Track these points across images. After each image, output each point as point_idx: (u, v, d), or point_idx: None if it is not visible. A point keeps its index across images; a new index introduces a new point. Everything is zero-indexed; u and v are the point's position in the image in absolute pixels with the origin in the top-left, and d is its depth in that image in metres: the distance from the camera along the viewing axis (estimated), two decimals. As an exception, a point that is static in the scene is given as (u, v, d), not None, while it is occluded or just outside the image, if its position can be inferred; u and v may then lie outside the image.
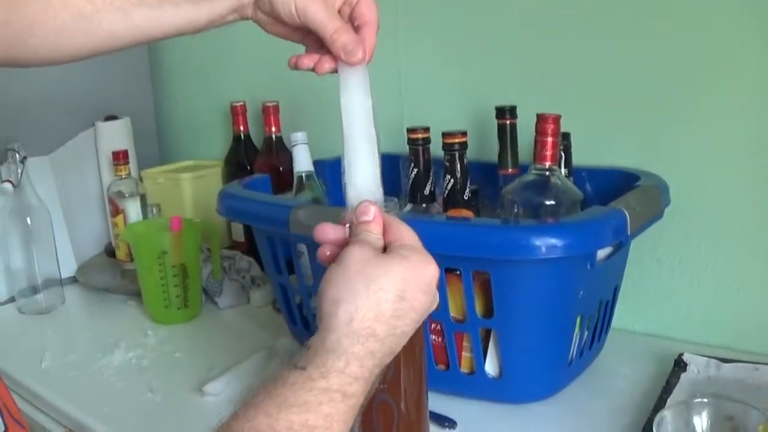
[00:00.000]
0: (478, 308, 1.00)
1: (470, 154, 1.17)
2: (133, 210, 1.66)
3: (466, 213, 1.10)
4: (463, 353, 1.05)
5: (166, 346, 1.35)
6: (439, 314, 1.02)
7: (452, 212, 1.11)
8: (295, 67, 0.77)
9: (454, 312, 1.02)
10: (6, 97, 1.66)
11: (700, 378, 1.05)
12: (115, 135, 1.76)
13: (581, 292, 1.00)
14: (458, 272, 0.99)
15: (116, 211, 1.66)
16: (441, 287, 1.00)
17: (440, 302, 1.00)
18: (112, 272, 1.67)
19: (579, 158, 1.17)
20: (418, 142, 1.17)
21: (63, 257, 1.67)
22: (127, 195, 1.65)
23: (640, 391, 1.07)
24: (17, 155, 1.55)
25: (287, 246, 1.16)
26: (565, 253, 0.91)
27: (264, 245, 1.21)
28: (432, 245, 0.93)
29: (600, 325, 1.11)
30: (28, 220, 1.57)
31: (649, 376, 1.10)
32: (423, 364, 0.82)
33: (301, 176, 1.32)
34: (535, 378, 1.04)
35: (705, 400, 0.86)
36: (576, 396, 1.07)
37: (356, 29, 0.75)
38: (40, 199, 1.59)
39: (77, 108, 1.78)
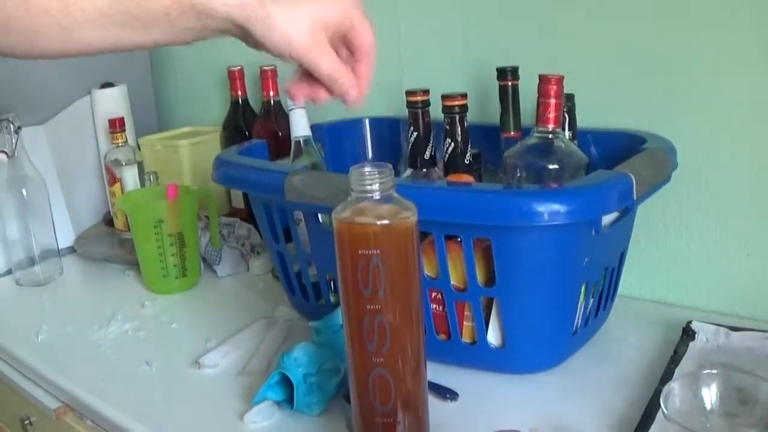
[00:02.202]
0: (480, 276, 0.97)
1: (472, 117, 1.13)
2: (130, 178, 1.63)
3: (467, 178, 1.07)
4: (465, 323, 1.02)
5: (164, 317, 1.33)
6: (439, 282, 0.99)
7: (452, 177, 1.07)
8: (292, 99, 0.79)
9: (455, 280, 0.99)
10: (3, 70, 1.63)
11: (708, 347, 1.02)
12: (112, 102, 1.73)
13: (586, 260, 0.97)
14: (459, 239, 0.95)
15: (113, 179, 1.63)
16: (441, 255, 0.97)
17: (441, 270, 0.98)
18: (110, 242, 1.65)
19: (583, 121, 1.13)
20: (417, 104, 1.13)
21: (61, 228, 1.65)
22: (124, 163, 1.62)
23: (647, 359, 1.04)
24: (11, 125, 1.52)
25: (284, 213, 1.13)
26: (568, 220, 0.87)
27: (261, 213, 1.18)
28: (431, 211, 0.91)
29: (606, 293, 1.08)
30: (24, 191, 1.54)
31: (657, 345, 1.07)
32: (421, 334, 0.79)
33: (299, 141, 1.29)
34: (539, 348, 1.01)
35: (714, 371, 0.83)
36: (581, 366, 1.04)
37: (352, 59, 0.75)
38: (36, 170, 1.56)
39: (73, 76, 1.74)
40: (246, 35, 0.70)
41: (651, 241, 1.20)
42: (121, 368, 1.16)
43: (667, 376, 0.93)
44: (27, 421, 1.26)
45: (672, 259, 1.20)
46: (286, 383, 0.97)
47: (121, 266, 1.58)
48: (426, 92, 1.13)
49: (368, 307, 0.75)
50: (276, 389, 0.99)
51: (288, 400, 0.97)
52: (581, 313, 1.02)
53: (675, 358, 0.98)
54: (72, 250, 1.67)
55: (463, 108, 1.09)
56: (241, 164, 1.16)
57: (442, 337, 1.04)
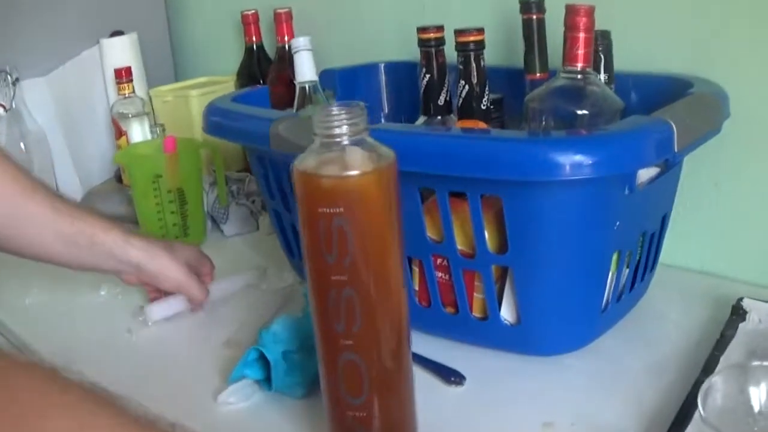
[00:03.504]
0: (490, 241, 0.82)
1: (497, 58, 0.98)
2: (137, 131, 1.51)
3: (479, 124, 0.92)
4: (475, 294, 0.88)
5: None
6: (444, 247, 0.85)
7: (462, 123, 0.92)
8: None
9: (461, 245, 0.84)
10: (3, 20, 1.53)
11: (761, 328, 0.86)
12: (122, 52, 1.62)
13: (617, 223, 0.81)
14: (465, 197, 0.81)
15: (119, 132, 1.52)
16: (445, 215, 0.82)
17: (445, 233, 0.84)
18: (119, 199, 1.53)
19: (621, 63, 0.97)
20: (429, 42, 0.99)
21: (67, 184, 1.57)
22: (130, 115, 1.51)
23: (689, 342, 0.89)
24: (9, 77, 1.43)
25: (277, 167, 1.00)
26: (595, 173, 0.71)
27: (255, 166, 1.05)
28: (424, 163, 0.76)
29: (643, 263, 0.93)
30: (22, 145, 1.44)
31: (702, 324, 0.92)
32: (402, 310, 0.65)
33: (305, 87, 1.14)
34: (560, 326, 0.86)
35: (765, 363, 0.67)
36: (610, 348, 0.89)
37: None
38: (37, 123, 1.47)
39: (80, 25, 1.63)
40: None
41: (699, 202, 1.04)
42: (102, 334, 1.06)
43: (710, 365, 0.78)
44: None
45: (724, 224, 1.04)
46: (267, 360, 0.84)
47: (128, 225, 1.46)
48: (440, 28, 0.99)
49: (333, 278, 0.62)
50: (254, 367, 0.86)
51: (268, 380, 0.85)
52: (612, 287, 0.87)
53: (721, 343, 0.83)
54: (78, 206, 1.56)
55: (479, 45, 0.95)
56: (229, 111, 1.02)
57: (449, 310, 0.90)
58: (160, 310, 1.06)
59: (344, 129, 0.61)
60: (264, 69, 1.52)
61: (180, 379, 0.93)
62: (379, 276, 0.62)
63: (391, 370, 0.65)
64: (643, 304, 0.97)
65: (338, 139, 0.61)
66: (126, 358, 0.99)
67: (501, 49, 1.12)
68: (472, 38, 0.94)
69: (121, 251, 0.98)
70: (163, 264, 1.01)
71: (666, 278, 1.01)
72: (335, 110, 0.61)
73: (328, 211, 0.60)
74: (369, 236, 0.61)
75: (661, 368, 0.85)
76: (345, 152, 0.61)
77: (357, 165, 0.60)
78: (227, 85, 1.60)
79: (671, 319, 0.95)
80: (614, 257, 0.85)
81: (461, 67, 0.95)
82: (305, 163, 0.62)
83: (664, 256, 0.99)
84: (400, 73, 1.25)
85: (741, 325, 0.86)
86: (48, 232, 0.95)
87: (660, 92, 0.94)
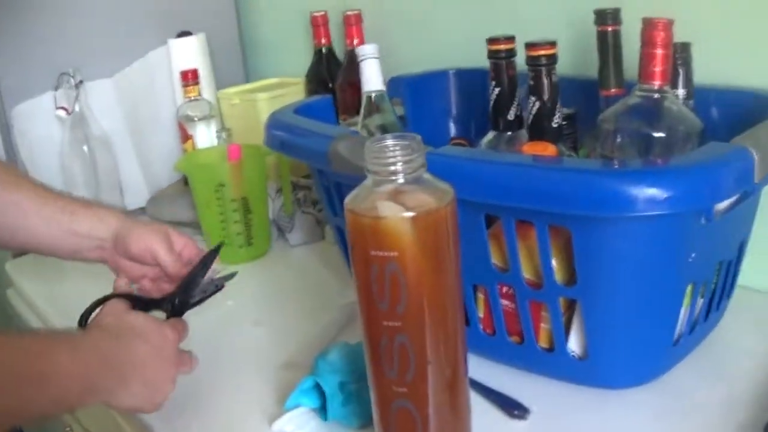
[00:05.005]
0: (558, 272, 0.78)
1: (571, 68, 0.93)
2: (203, 135, 1.51)
3: (548, 148, 0.87)
4: (542, 324, 0.84)
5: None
6: (509, 275, 0.81)
7: (529, 146, 0.88)
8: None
9: (528, 274, 0.81)
10: (70, 21, 1.53)
11: None
12: (189, 53, 1.60)
13: (693, 255, 0.77)
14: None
15: (186, 136, 1.51)
16: (511, 243, 0.79)
17: (511, 261, 0.80)
18: (184, 203, 1.52)
19: (701, 77, 0.91)
20: (500, 54, 0.94)
21: (133, 187, 1.56)
22: (196, 119, 1.50)
23: (766, 372, 0.83)
24: (72, 80, 1.42)
25: (340, 184, 0.97)
26: (669, 209, 0.67)
27: (317, 181, 1.02)
28: (487, 193, 0.73)
29: (720, 291, 0.88)
30: (86, 148, 1.44)
31: (781, 354, 0.87)
32: (459, 358, 0.62)
33: (371, 96, 1.11)
34: (629, 360, 0.82)
35: None
36: (682, 381, 0.85)
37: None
38: (100, 126, 1.47)
39: (147, 25, 1.62)
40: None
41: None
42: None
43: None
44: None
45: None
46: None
47: (192, 230, 1.45)
48: (510, 39, 0.94)
49: (385, 324, 0.59)
50: (311, 395, 0.84)
51: (324, 407, 0.82)
52: (686, 318, 0.83)
53: (802, 376, 0.77)
54: (143, 211, 1.56)
55: (551, 59, 0.90)
56: (288, 125, 1.00)
57: (514, 339, 0.87)
58: None
59: (399, 166, 0.57)
60: (333, 72, 1.49)
61: (234, 400, 0.92)
62: (433, 322, 0.59)
63: (445, 416, 0.62)
64: (718, 331, 0.92)
65: (392, 177, 0.58)
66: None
67: (575, 58, 1.07)
68: (543, 52, 0.89)
69: (99, 220, 0.95)
70: (140, 231, 0.95)
71: (743, 302, 0.96)
72: (389, 145, 0.58)
73: (381, 254, 0.57)
74: (424, 282, 0.57)
75: (735, 403, 0.80)
76: (401, 190, 0.58)
77: (414, 206, 0.57)
78: (297, 87, 1.57)
79: (747, 347, 0.90)
80: (688, 289, 0.81)
81: (532, 82, 0.91)
82: (357, 200, 0.59)
83: (742, 278, 0.93)
84: (471, 80, 1.20)
85: (823, 356, 0.80)
86: (32, 213, 0.94)
87: (743, 109, 0.89)
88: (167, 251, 0.94)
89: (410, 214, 0.56)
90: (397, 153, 0.57)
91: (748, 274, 0.97)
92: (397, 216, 0.57)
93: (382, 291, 0.57)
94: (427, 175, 0.59)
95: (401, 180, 0.58)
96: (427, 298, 0.58)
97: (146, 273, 0.97)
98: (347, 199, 0.60)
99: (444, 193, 0.59)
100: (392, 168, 0.57)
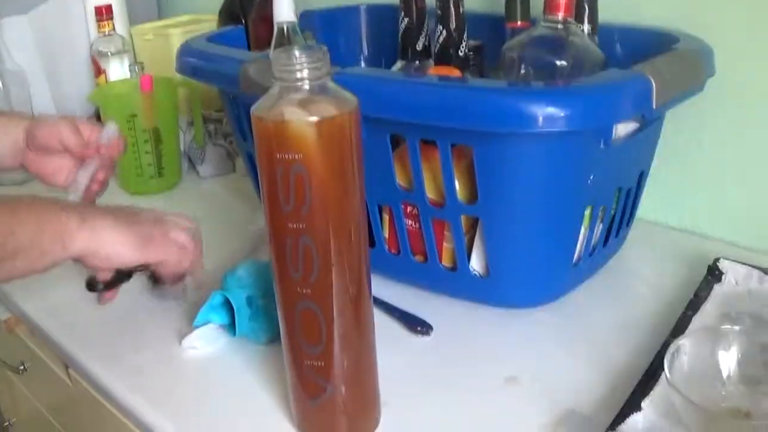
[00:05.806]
0: (461, 191, 0.81)
1: (479, 3, 0.94)
2: (115, 70, 1.49)
3: (453, 71, 0.89)
4: (445, 244, 0.86)
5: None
6: (414, 195, 0.83)
7: (437, 70, 0.90)
8: None
9: (431, 193, 0.83)
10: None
11: (737, 291, 0.84)
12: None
13: (591, 177, 0.80)
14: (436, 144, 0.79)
15: (99, 71, 1.49)
16: (415, 163, 0.81)
17: (415, 181, 0.82)
18: (96, 137, 1.51)
19: (606, 15, 0.94)
20: (408, -16, 0.95)
21: (45, 120, 1.52)
22: (109, 54, 1.48)
23: (662, 301, 0.88)
24: (-16, 17, 1.39)
25: (249, 108, 0.97)
26: (568, 127, 0.69)
27: (228, 107, 1.03)
28: (392, 109, 0.74)
29: (619, 218, 0.91)
30: (0, 83, 1.41)
31: (676, 283, 0.91)
32: (362, 259, 0.64)
33: (282, 28, 1.11)
34: (529, 279, 0.85)
35: (736, 328, 0.66)
36: (581, 303, 0.88)
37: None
38: (14, 61, 1.43)
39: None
40: None
41: (682, 160, 1.02)
42: (66, 280, 1.03)
43: (682, 325, 0.77)
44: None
45: (705, 181, 1.02)
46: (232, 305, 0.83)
47: (103, 162, 1.44)
48: (420, -29, 0.96)
49: (290, 225, 0.60)
50: (220, 311, 0.85)
51: (233, 324, 0.84)
52: (585, 241, 0.86)
53: (695, 303, 0.81)
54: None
55: (458, -11, 0.91)
56: (200, 51, 1.00)
57: (418, 258, 0.89)
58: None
59: (304, 73, 0.58)
60: (246, 9, 1.48)
61: (145, 322, 0.92)
62: (337, 225, 0.60)
63: (348, 320, 0.64)
64: (618, 260, 0.96)
65: (298, 84, 0.59)
66: (88, 300, 0.96)
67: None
68: (451, -18, 0.91)
69: (9, 121, 0.97)
70: (49, 121, 0.95)
71: (644, 234, 1.00)
72: (296, 53, 0.58)
73: (286, 157, 0.58)
74: (327, 184, 0.59)
75: (631, 326, 0.84)
76: (306, 97, 0.59)
77: (318, 110, 0.58)
78: (210, 24, 1.55)
79: (645, 276, 0.94)
80: (587, 212, 0.84)
81: (439, 11, 0.92)
82: (263, 108, 0.60)
83: (644, 212, 0.98)
84: (382, 15, 1.21)
85: (716, 286, 0.84)
86: None
87: (644, 46, 0.91)
88: (72, 132, 0.94)
89: (314, 118, 0.57)
90: (303, 60, 0.58)
91: (651, 208, 1.01)
92: (301, 120, 0.58)
93: (287, 193, 0.58)
94: (332, 85, 0.60)
95: (306, 87, 0.59)
96: (331, 202, 0.59)
97: (61, 166, 0.96)
98: (253, 108, 0.60)
99: (348, 101, 0.60)
100: (298, 75, 0.58)
